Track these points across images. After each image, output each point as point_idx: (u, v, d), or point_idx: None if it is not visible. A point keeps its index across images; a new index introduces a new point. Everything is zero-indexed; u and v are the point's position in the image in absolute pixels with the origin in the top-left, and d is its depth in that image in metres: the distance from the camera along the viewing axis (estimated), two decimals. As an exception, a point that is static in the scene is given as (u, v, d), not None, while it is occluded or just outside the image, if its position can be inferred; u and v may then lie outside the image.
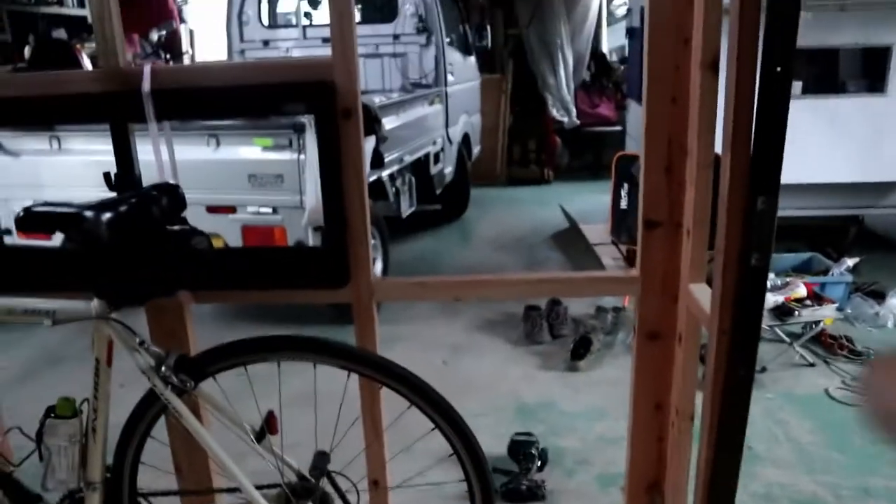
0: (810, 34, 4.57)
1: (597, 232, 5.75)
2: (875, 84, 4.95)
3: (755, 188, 1.33)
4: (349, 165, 1.62)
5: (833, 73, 5.20)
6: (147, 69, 1.58)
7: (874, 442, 3.05)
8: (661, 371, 1.80)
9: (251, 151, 3.65)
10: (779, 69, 1.24)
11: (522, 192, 8.26)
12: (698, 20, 1.54)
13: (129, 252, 1.40)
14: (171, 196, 1.47)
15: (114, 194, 1.61)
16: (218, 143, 3.64)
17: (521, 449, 2.76)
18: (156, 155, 1.63)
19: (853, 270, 4.60)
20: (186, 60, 6.59)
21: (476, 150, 7.50)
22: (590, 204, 7.04)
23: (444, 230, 6.72)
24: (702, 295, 1.58)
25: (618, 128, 8.71)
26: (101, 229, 1.32)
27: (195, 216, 3.67)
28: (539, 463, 2.75)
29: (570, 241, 6.10)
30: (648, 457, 1.90)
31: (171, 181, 1.61)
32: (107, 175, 1.62)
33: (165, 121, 1.64)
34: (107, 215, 1.34)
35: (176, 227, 1.47)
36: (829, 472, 2.86)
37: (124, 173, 1.64)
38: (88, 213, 1.34)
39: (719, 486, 1.50)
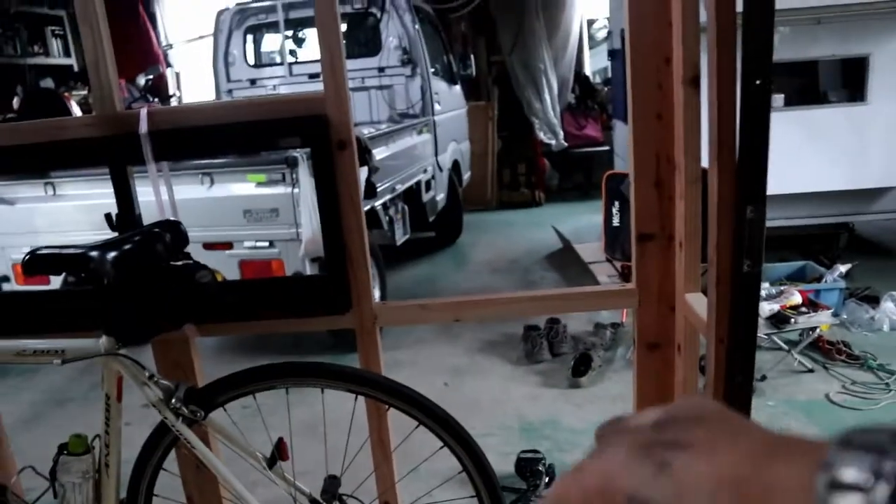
0: (789, 48, 4.67)
1: (591, 250, 5.79)
2: (855, 93, 5.05)
3: (743, 198, 1.37)
4: (346, 195, 1.66)
5: (814, 85, 5.31)
6: (143, 111, 1.62)
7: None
8: (662, 380, 1.83)
9: (245, 188, 3.70)
10: (758, 82, 1.28)
11: (514, 216, 8.32)
12: (677, 39, 1.59)
13: (135, 289, 1.43)
14: (173, 232, 1.50)
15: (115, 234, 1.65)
16: (212, 182, 3.69)
17: (529, 466, 2.77)
18: (156, 194, 1.66)
19: (846, 276, 4.66)
20: (174, 103, 6.65)
21: (466, 176, 7.57)
22: (582, 223, 7.10)
23: (439, 256, 6.76)
24: (698, 304, 1.61)
25: (605, 147, 8.81)
26: (106, 267, 1.35)
27: (192, 254, 3.72)
28: (546, 479, 2.76)
29: (565, 261, 6.14)
30: (654, 467, 1.92)
31: (172, 218, 1.64)
32: (108, 216, 1.65)
33: (163, 161, 1.68)
34: (112, 254, 1.37)
35: (180, 263, 1.50)
36: (834, 476, 2.88)
37: (125, 213, 1.68)
38: (94, 254, 1.37)
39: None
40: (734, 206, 1.38)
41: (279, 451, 1.62)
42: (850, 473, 0.25)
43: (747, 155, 1.35)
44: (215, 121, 1.69)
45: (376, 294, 4.48)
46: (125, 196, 1.70)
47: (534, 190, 8.97)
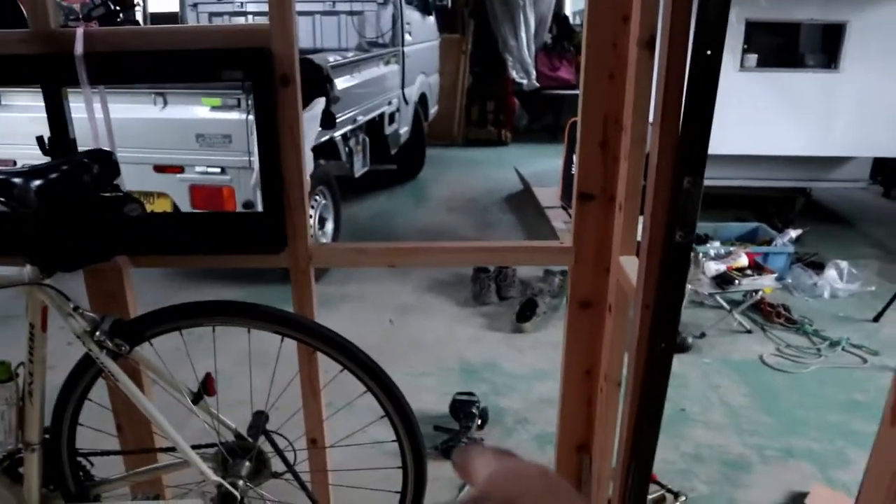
0: (772, 7, 4.62)
1: (550, 195, 5.82)
2: (829, 60, 5.04)
3: (682, 168, 1.37)
4: (287, 132, 1.62)
5: (793, 48, 5.28)
6: (80, 31, 1.55)
7: (801, 406, 3.20)
8: (591, 339, 1.86)
9: (199, 111, 3.61)
10: (709, 52, 1.26)
11: (479, 154, 8.28)
12: (637, -2, 1.56)
13: (60, 218, 1.40)
14: (103, 163, 1.46)
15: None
16: (165, 103, 3.60)
17: (463, 408, 2.83)
18: (90, 120, 1.60)
19: (796, 241, 4.76)
20: (138, 13, 6.38)
21: (433, 110, 7.47)
22: (546, 167, 7.09)
23: (398, 190, 6.72)
24: (630, 267, 1.63)
25: (577, 91, 8.72)
26: (30, 196, 1.31)
27: (142, 175, 3.66)
28: (479, 422, 2.83)
29: (524, 203, 6.16)
30: (578, 419, 1.98)
31: (106, 147, 1.59)
32: (40, 139, 1.59)
33: (100, 85, 1.62)
34: (36, 182, 1.33)
35: (109, 194, 1.46)
36: (756, 433, 2.99)
37: (58, 137, 1.62)
38: (17, 180, 1.33)
39: (640, 448, 1.57)
40: (672, 176, 1.38)
41: (205, 387, 1.63)
42: None
43: (690, 126, 1.34)
44: (156, 47, 1.62)
45: (330, 226, 4.46)
46: (58, 119, 1.63)
47: (501, 129, 8.91)
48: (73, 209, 1.40)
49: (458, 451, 0.41)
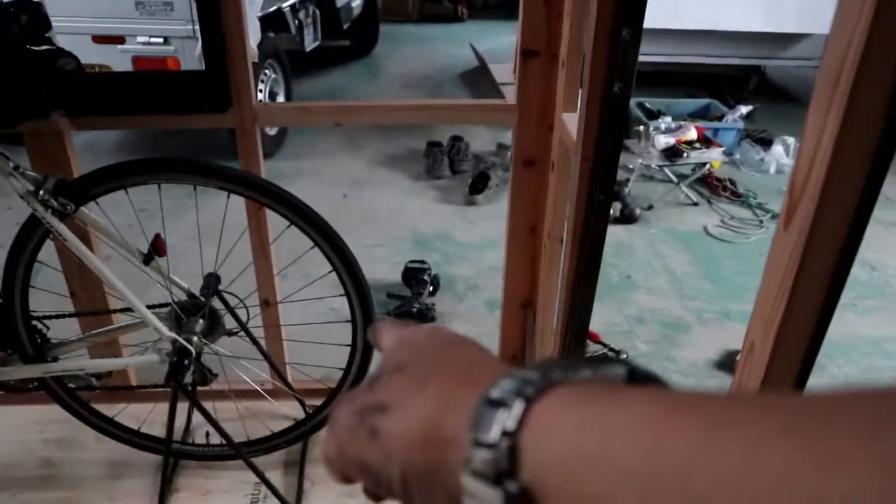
0: None
1: (505, 71, 5.74)
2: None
3: (620, 19, 1.38)
4: (226, -13, 1.57)
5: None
6: None
7: (741, 273, 3.35)
8: (535, 197, 1.91)
9: (137, -25, 3.44)
10: None
11: (435, 30, 8.07)
12: None
13: (-11, 71, 1.36)
14: (31, 14, 1.40)
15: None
16: (100, -34, 3.41)
17: (415, 275, 2.91)
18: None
19: (747, 118, 4.82)
20: None
21: (386, -18, 7.22)
22: (502, 43, 6.97)
23: (352, 67, 6.57)
24: (573, 124, 1.65)
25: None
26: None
27: (81, 46, 3.51)
28: (431, 288, 2.91)
29: (479, 80, 6.09)
30: (523, 277, 2.05)
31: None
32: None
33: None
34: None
35: (39, 48, 1.42)
36: (697, 298, 3.14)
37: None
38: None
39: (579, 301, 1.65)
40: (610, 28, 1.39)
41: (155, 247, 1.64)
42: (496, 392, 0.29)
43: (629, -24, 1.34)
44: None
45: (281, 99, 4.37)
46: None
47: (457, 4, 8.66)
48: (1, 60, 1.36)
49: (370, 329, 0.43)
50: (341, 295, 1.64)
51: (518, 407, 0.27)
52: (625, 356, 2.71)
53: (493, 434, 0.27)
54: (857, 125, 0.61)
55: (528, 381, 0.28)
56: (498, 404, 0.28)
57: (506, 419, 0.27)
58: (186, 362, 1.63)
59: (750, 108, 4.93)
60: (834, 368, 2.64)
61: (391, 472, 0.33)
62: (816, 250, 0.69)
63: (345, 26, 5.88)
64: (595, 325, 2.68)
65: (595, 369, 0.30)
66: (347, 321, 1.73)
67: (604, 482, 0.24)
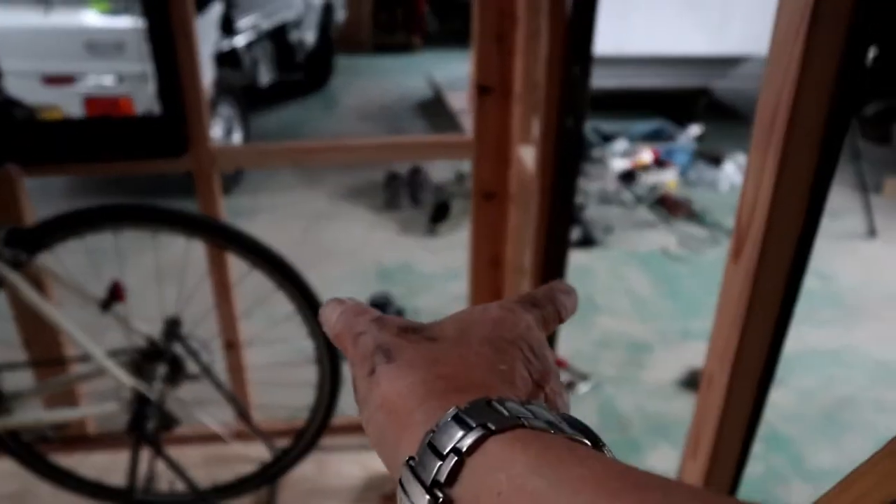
0: None
1: (461, 99, 5.81)
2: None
3: (571, 57, 1.42)
4: (180, 28, 1.57)
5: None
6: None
7: (700, 290, 3.42)
8: (496, 229, 1.93)
9: (87, 17, 3.41)
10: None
11: (389, 61, 8.13)
12: None
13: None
14: (-18, 63, 1.39)
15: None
16: (49, 7, 3.37)
17: (380, 310, 2.89)
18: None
19: (699, 138, 4.94)
20: None
21: (340, 15, 7.25)
22: (457, 72, 7.04)
23: (308, 100, 6.58)
24: (529, 156, 1.69)
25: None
26: None
27: (31, 87, 3.45)
28: (396, 322, 2.90)
29: (436, 109, 6.14)
30: (486, 308, 2.06)
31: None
32: None
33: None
34: None
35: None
36: (659, 318, 3.19)
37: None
38: None
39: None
40: (562, 65, 1.43)
41: (114, 294, 1.62)
42: (467, 415, 0.31)
43: (577, 17, 1.39)
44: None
45: (237, 137, 4.36)
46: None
47: (411, 34, 8.74)
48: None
49: (320, 311, 0.44)
50: (306, 337, 1.64)
51: (475, 434, 0.29)
52: (592, 382, 2.74)
53: (445, 448, 0.30)
54: (793, 164, 0.64)
55: (498, 417, 0.30)
56: (462, 424, 0.30)
57: (460, 440, 0.30)
58: (148, 410, 1.60)
59: (701, 127, 5.06)
60: (794, 381, 2.69)
61: (365, 407, 0.36)
62: (765, 282, 0.72)
63: (299, 60, 5.90)
64: (561, 351, 2.71)
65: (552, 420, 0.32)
66: (313, 362, 1.72)
67: None
